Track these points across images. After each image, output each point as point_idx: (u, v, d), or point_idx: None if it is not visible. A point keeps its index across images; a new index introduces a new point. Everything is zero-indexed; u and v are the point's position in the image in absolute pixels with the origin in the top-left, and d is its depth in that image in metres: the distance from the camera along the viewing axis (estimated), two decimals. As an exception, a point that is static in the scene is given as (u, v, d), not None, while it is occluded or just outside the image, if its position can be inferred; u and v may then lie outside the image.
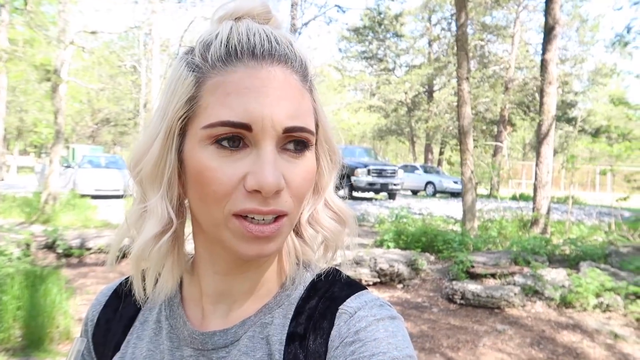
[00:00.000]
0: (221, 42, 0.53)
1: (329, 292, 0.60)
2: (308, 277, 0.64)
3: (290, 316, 0.60)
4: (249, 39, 0.53)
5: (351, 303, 0.58)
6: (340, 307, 0.58)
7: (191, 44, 0.58)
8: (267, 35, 0.54)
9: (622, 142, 9.03)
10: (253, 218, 0.53)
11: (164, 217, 0.57)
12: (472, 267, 6.10)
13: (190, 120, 0.54)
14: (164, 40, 22.39)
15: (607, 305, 5.08)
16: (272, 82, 0.52)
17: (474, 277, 6.02)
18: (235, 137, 0.52)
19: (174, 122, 0.55)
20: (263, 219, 0.53)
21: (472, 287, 5.41)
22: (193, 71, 0.54)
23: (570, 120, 21.21)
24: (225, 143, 0.52)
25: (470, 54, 15.55)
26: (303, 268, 0.64)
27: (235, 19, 0.56)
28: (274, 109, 0.52)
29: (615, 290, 5.23)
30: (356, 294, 0.59)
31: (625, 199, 7.65)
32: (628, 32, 11.42)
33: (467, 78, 9.48)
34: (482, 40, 24.08)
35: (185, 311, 0.64)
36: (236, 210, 0.52)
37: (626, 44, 11.89)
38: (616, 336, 4.42)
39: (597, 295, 5.19)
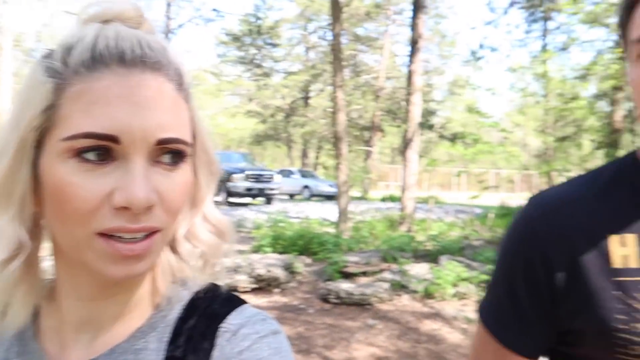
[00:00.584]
0: (86, 46, 0.48)
1: (209, 309, 0.57)
2: (185, 296, 0.58)
3: (166, 339, 0.55)
4: (117, 44, 0.48)
5: (233, 320, 0.55)
6: (222, 325, 0.54)
7: (52, 42, 0.51)
8: (138, 41, 0.50)
9: (474, 146, 10.08)
10: (120, 237, 0.48)
11: (14, 240, 0.50)
12: (346, 267, 6.36)
13: (48, 131, 0.48)
14: (17, 34, 20.06)
15: (463, 294, 5.64)
16: (143, 90, 0.48)
17: (347, 276, 6.28)
18: (101, 149, 0.47)
19: (28, 133, 0.48)
20: (133, 237, 0.48)
21: (346, 286, 5.64)
22: (52, 77, 0.48)
23: (431, 127, 23.28)
24: (89, 156, 0.47)
25: (344, 63, 16.37)
26: (180, 286, 0.59)
27: (104, 21, 0.51)
28: (145, 120, 0.47)
29: (469, 279, 5.83)
30: (237, 309, 0.56)
31: (476, 197, 8.57)
32: (480, 48, 12.85)
33: (342, 86, 9.90)
34: (354, 50, 25.39)
35: (41, 344, 0.56)
36: (101, 229, 0.47)
37: (479, 59, 13.37)
38: (470, 320, 4.91)
39: (455, 285, 5.73)
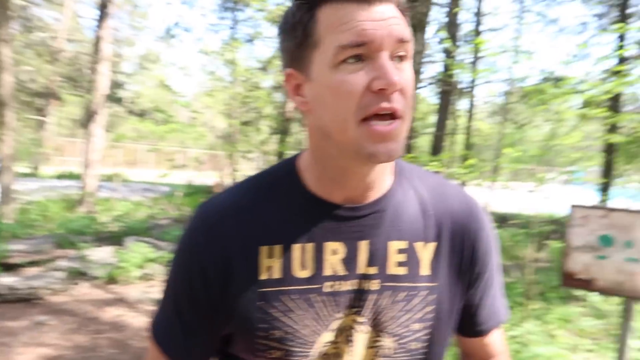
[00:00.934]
0: None
1: None
2: None
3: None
4: None
5: None
6: None
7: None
8: None
9: (165, 124, 9.94)
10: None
11: None
12: (8, 257, 5.35)
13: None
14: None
15: (150, 275, 5.51)
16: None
17: (10, 268, 5.28)
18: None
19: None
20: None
21: (8, 280, 4.74)
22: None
23: (118, 100, 21.85)
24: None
25: (11, 13, 13.50)
26: None
27: None
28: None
29: (155, 260, 5.74)
30: None
31: (165, 175, 8.49)
32: (175, 26, 12.66)
33: (8, 41, 8.15)
34: (27, 1, 21.37)
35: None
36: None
37: (172, 36, 13.17)
38: (155, 301, 4.84)
39: (141, 267, 5.54)
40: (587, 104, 4.76)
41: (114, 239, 6.68)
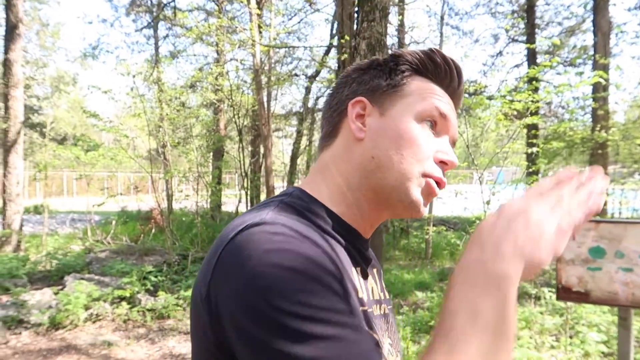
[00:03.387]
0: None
1: None
2: None
3: None
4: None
5: None
6: None
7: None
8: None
9: (95, 149, 9.39)
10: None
11: None
12: None
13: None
14: None
15: (97, 315, 5.14)
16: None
17: None
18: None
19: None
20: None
21: None
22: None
23: (34, 126, 20.39)
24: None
25: None
26: None
27: None
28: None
29: (102, 298, 5.36)
30: None
31: (102, 204, 7.99)
32: (97, 47, 12.03)
33: None
34: None
35: None
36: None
37: (95, 56, 12.50)
38: (109, 344, 4.52)
39: (87, 308, 5.16)
40: (508, 109, 5.09)
41: (51, 279, 6.18)
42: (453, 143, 0.76)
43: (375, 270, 0.81)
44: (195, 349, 0.67)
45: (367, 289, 0.74)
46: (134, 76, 11.86)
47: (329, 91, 0.83)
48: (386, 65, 0.76)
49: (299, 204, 0.70)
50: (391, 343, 0.76)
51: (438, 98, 0.73)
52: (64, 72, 23.83)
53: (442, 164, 0.72)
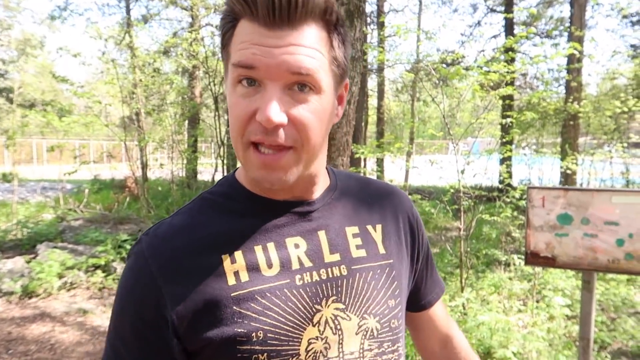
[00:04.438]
0: None
1: None
2: None
3: None
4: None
5: None
6: None
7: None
8: None
9: (67, 114, 9.13)
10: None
11: None
12: None
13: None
14: None
15: (71, 283, 5.10)
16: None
17: None
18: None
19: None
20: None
21: None
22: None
23: (0, 91, 19.63)
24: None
25: None
26: None
27: None
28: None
29: (76, 266, 5.32)
30: None
31: (73, 172, 7.82)
32: (65, 9, 11.52)
33: None
34: None
35: None
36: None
37: (63, 19, 11.99)
38: (85, 312, 4.51)
39: (61, 276, 5.11)
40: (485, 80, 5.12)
41: (23, 247, 6.08)
42: (291, 72, 0.63)
43: (324, 231, 0.76)
44: None
45: (287, 257, 0.72)
46: (105, 40, 11.46)
47: None
48: (223, 37, 0.69)
49: (218, 191, 0.78)
50: (342, 308, 0.73)
51: (243, 46, 0.63)
52: (31, 35, 22.84)
53: (259, 124, 0.63)
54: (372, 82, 14.86)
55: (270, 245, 0.72)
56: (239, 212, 0.74)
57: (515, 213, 5.13)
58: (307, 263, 0.73)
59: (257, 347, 0.67)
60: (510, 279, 4.74)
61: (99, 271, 5.31)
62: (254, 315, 0.67)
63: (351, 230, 0.79)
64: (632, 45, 13.75)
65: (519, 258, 4.97)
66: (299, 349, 0.69)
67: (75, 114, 9.29)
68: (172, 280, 0.67)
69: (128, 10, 15.39)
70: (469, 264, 4.74)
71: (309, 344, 0.70)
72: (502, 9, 14.23)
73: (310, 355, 0.70)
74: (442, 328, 0.97)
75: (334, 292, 0.73)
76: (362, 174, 0.93)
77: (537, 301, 4.18)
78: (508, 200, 4.82)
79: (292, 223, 0.75)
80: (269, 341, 0.67)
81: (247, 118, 0.64)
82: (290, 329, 0.69)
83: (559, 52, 4.93)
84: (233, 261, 0.69)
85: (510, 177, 8.59)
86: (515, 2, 13.41)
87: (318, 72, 0.65)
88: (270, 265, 0.71)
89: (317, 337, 0.71)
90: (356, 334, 0.74)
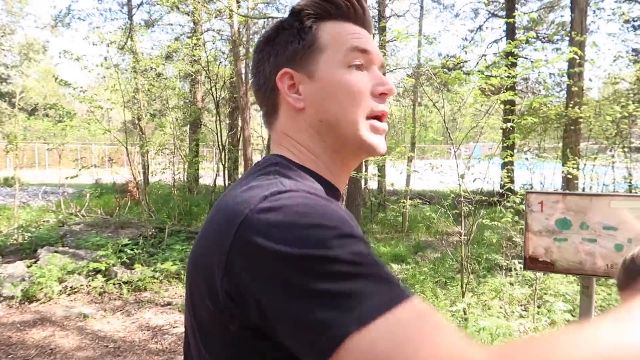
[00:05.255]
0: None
1: None
2: None
3: None
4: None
5: None
6: None
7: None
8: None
9: (67, 120, 9.14)
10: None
11: None
12: None
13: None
14: None
15: (72, 288, 5.10)
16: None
17: None
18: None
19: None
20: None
21: None
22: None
23: (3, 96, 19.70)
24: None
25: None
26: None
27: None
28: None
29: (77, 271, 5.32)
30: None
31: (75, 176, 7.84)
32: (68, 14, 11.57)
33: None
34: None
35: None
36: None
37: (66, 24, 12.04)
38: (85, 316, 4.50)
39: (61, 281, 5.11)
40: (486, 85, 5.13)
41: (24, 252, 6.09)
42: (381, 67, 0.79)
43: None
44: (196, 315, 0.65)
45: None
46: (108, 45, 11.50)
47: (250, 69, 0.84)
48: (293, 27, 0.77)
49: (293, 170, 0.72)
50: None
51: (353, 37, 0.76)
52: (34, 40, 22.95)
53: (383, 95, 0.75)
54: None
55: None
56: (320, 190, 0.69)
57: (516, 218, 5.12)
58: None
59: None
60: (511, 284, 4.72)
61: (99, 276, 5.31)
62: None
63: None
64: (633, 50, 13.75)
65: (519, 263, 4.95)
66: None
67: (77, 118, 9.30)
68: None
69: (130, 16, 15.47)
70: (470, 269, 4.72)
71: None
72: (504, 13, 14.25)
73: None
74: None
75: None
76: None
77: (539, 306, 4.16)
78: (509, 205, 4.81)
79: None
80: None
81: (367, 93, 0.74)
82: None
83: (559, 57, 4.94)
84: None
85: (512, 181, 8.58)
86: (516, 8, 13.42)
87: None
88: None
89: None
90: None
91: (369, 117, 0.74)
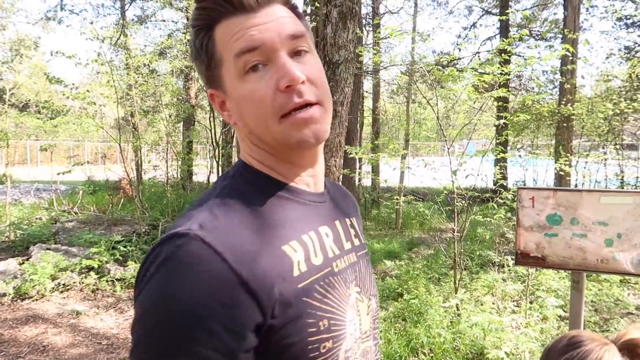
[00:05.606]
0: None
1: None
2: None
3: None
4: None
5: None
6: None
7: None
8: None
9: (59, 117, 9.09)
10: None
11: None
12: None
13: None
14: None
15: (65, 285, 5.08)
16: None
17: None
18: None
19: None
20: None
21: None
22: None
23: (-6, 92, 19.53)
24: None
25: None
26: None
27: None
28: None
29: (69, 268, 5.30)
30: None
31: (67, 172, 7.78)
32: (62, 9, 11.49)
33: None
34: None
35: None
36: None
37: (58, 19, 11.95)
38: (78, 313, 4.49)
39: (54, 278, 5.09)
40: (480, 82, 5.15)
41: (16, 249, 6.05)
42: (292, 39, 0.70)
43: (337, 221, 0.83)
44: None
45: (324, 245, 0.75)
46: (101, 41, 11.43)
47: None
48: (195, 47, 0.74)
49: (244, 180, 0.75)
50: (359, 290, 0.80)
51: (237, 39, 0.69)
52: (25, 36, 22.73)
53: (289, 88, 0.67)
54: (367, 84, 14.87)
55: (312, 235, 0.74)
56: (277, 203, 0.73)
57: (509, 214, 5.14)
58: (336, 251, 0.78)
59: (324, 335, 0.69)
60: (504, 280, 4.75)
61: (92, 273, 5.29)
62: (317, 305, 0.68)
63: (348, 221, 0.87)
64: (626, 47, 13.82)
65: (512, 259, 4.98)
66: (346, 331, 0.73)
67: (70, 115, 9.25)
68: (250, 268, 0.62)
69: (123, 11, 15.36)
70: (463, 265, 4.74)
71: (349, 325, 0.75)
72: (497, 11, 14.29)
73: (349, 337, 0.75)
74: None
75: (354, 277, 0.80)
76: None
77: (531, 302, 4.19)
78: (501, 201, 4.83)
79: (319, 212, 0.79)
80: (332, 327, 0.70)
81: (271, 94, 0.68)
82: (341, 313, 0.73)
83: (552, 54, 4.96)
84: (293, 251, 0.69)
85: (505, 178, 8.62)
86: (510, 5, 13.46)
87: (306, 34, 0.72)
88: (316, 254, 0.73)
89: (351, 319, 0.75)
90: (367, 314, 0.82)
91: (284, 115, 0.69)
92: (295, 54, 0.70)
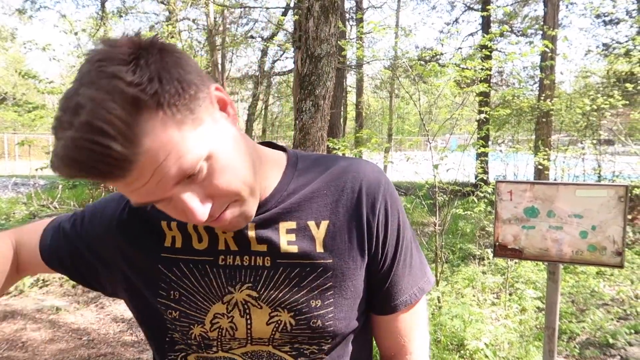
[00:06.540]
0: None
1: None
2: None
3: None
4: None
5: None
6: None
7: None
8: None
9: (34, 111, 8.92)
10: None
11: None
12: None
13: None
14: None
15: (44, 281, 5.01)
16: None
17: None
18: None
19: None
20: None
21: None
22: None
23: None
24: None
25: None
26: None
27: None
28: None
29: (49, 263, 5.22)
30: None
31: (46, 167, 7.65)
32: (35, 2, 11.23)
33: None
34: None
35: None
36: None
37: (33, 11, 11.68)
38: (57, 309, 4.43)
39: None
40: (462, 77, 5.20)
41: None
42: (178, 174, 0.58)
43: (251, 224, 0.75)
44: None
45: (208, 236, 0.78)
46: (76, 33, 11.23)
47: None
48: None
49: None
50: (256, 296, 0.75)
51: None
52: (1, 27, 22.18)
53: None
54: (351, 79, 14.89)
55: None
56: None
57: (489, 208, 5.22)
58: (233, 247, 0.77)
59: (172, 304, 0.78)
60: (484, 272, 4.83)
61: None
62: (173, 277, 0.78)
63: (286, 225, 0.76)
64: (604, 44, 14.08)
65: (492, 252, 5.06)
66: (204, 319, 0.77)
67: (47, 109, 9.08)
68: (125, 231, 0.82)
69: (102, 3, 15.10)
70: (445, 258, 4.81)
71: (215, 317, 0.78)
72: (479, 7, 14.41)
73: (215, 328, 0.78)
74: (398, 338, 0.85)
75: (251, 280, 0.76)
76: (339, 157, 0.82)
77: (510, 294, 4.27)
78: (482, 195, 4.90)
79: None
80: (182, 302, 0.78)
81: (183, 217, 0.65)
82: (201, 299, 0.77)
83: (531, 50, 5.03)
84: (169, 228, 0.79)
85: (485, 172, 8.73)
86: (492, 1, 13.59)
87: (188, 154, 0.58)
88: (200, 240, 0.78)
89: (223, 314, 0.77)
90: (267, 324, 0.76)
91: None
92: (185, 180, 0.61)
